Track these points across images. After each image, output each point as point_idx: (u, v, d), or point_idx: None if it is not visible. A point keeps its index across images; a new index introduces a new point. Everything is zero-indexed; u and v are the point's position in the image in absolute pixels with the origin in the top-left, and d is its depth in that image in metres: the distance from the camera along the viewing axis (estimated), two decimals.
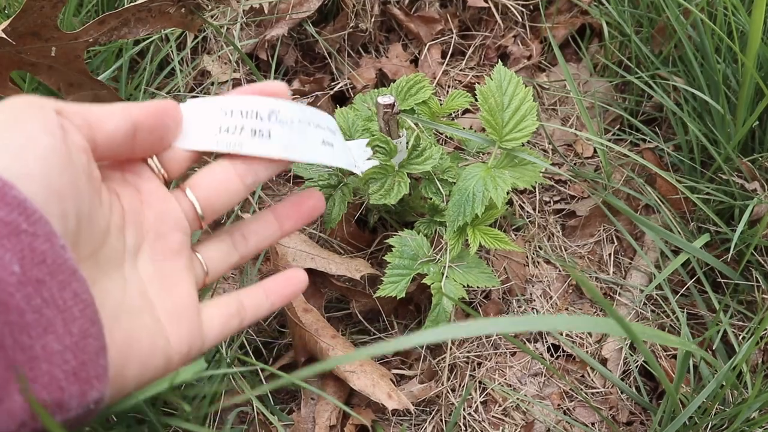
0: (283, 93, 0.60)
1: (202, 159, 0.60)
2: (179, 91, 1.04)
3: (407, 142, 0.83)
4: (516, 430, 0.85)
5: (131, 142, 0.53)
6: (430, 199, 0.84)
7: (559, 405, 0.88)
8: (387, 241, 0.83)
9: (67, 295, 0.43)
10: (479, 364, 0.90)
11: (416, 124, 0.89)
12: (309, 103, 1.09)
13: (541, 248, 1.01)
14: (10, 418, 0.41)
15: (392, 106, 0.78)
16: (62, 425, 0.44)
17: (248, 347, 0.84)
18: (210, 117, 0.58)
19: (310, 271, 0.87)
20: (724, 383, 0.75)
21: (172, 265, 0.56)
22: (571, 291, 0.98)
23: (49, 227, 0.42)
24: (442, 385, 0.86)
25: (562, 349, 0.92)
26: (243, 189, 0.59)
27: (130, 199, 0.53)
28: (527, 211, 1.04)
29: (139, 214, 0.54)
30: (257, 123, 0.59)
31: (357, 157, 0.76)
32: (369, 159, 0.79)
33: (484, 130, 0.83)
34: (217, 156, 0.59)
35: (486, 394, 0.88)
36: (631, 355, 0.90)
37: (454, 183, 0.83)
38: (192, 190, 0.57)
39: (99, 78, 0.92)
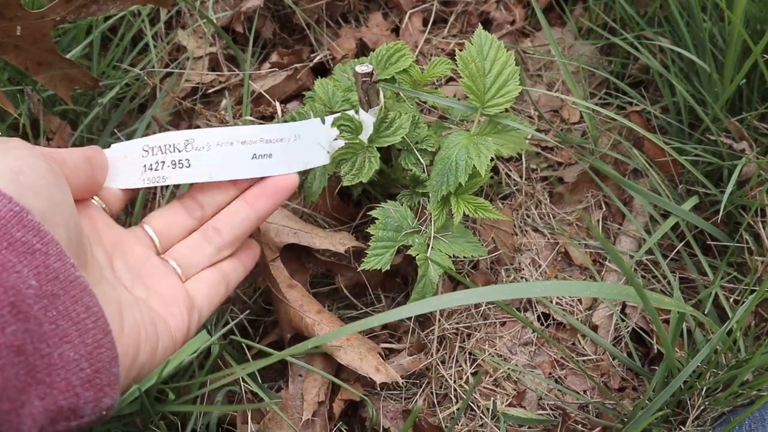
0: None
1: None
2: (153, 67, 1.01)
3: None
4: (507, 399, 0.85)
5: (91, 176, 0.60)
6: (410, 170, 0.82)
7: (550, 373, 0.87)
8: (370, 213, 0.81)
9: (80, 308, 0.47)
10: (468, 335, 0.88)
11: (397, 94, 0.87)
12: (288, 76, 1.07)
13: (528, 216, 1.00)
14: (31, 422, 0.44)
15: (371, 74, 0.75)
16: (76, 430, 0.47)
17: (234, 326, 0.82)
18: (134, 157, 0.63)
19: (294, 247, 0.85)
20: (719, 347, 0.74)
21: (146, 270, 0.62)
22: (560, 258, 0.97)
23: (59, 248, 0.46)
24: (432, 357, 0.85)
25: (552, 317, 0.91)
26: (193, 221, 0.68)
27: (89, 226, 0.59)
28: (514, 179, 1.02)
29: (100, 238, 0.59)
30: (176, 155, 0.64)
31: (325, 140, 0.75)
32: (336, 139, 0.77)
33: (467, 97, 0.81)
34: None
35: (476, 365, 0.87)
36: (623, 320, 0.89)
37: (434, 152, 0.81)
38: (149, 225, 0.66)
39: (69, 56, 0.90)
